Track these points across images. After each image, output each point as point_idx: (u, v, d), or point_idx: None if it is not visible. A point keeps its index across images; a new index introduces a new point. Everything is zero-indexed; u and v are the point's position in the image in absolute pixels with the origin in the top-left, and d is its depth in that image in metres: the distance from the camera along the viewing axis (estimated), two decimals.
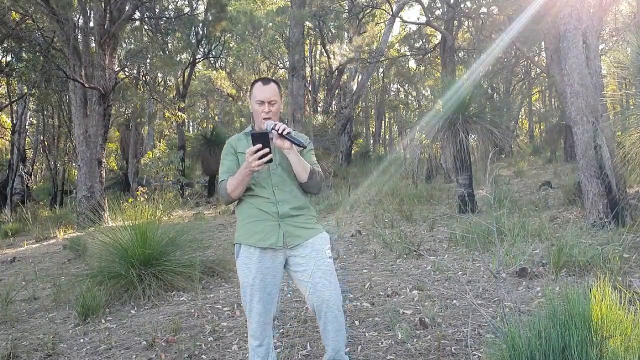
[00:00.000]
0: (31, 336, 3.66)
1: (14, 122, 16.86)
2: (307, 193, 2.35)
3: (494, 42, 14.52)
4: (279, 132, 2.15)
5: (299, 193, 2.31)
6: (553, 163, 14.97)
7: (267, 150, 2.08)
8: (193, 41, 18.04)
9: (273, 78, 2.46)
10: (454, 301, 3.53)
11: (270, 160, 2.11)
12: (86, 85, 10.23)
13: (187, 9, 18.39)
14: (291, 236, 2.24)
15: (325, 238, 2.33)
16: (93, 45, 11.41)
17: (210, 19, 17.51)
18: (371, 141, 34.58)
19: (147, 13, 16.04)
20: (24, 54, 13.75)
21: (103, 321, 3.86)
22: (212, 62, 23.64)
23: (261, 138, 2.09)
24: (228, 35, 20.02)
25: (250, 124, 2.45)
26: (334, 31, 20.01)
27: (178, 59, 18.07)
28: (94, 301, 3.94)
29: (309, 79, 20.92)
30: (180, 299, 4.27)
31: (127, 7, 11.32)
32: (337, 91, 21.20)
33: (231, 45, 21.83)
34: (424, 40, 24.15)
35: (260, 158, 2.07)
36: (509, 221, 5.42)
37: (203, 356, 3.01)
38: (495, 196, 7.17)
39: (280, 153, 2.25)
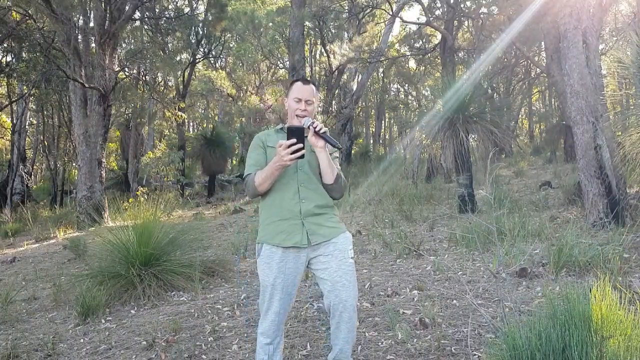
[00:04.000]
0: (31, 336, 3.66)
1: (14, 122, 16.87)
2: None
3: (494, 42, 14.53)
4: (317, 129, 2.16)
5: (324, 192, 2.30)
6: (553, 163, 14.97)
7: (300, 145, 2.07)
8: (193, 41, 18.04)
9: (312, 80, 2.48)
10: (454, 301, 3.53)
11: (302, 156, 2.10)
12: (86, 85, 10.23)
13: (187, 9, 18.41)
14: (315, 234, 2.23)
15: (349, 238, 2.32)
16: (93, 45, 11.41)
17: (210, 19, 17.53)
18: (371, 141, 34.60)
19: (147, 13, 16.04)
20: (24, 54, 13.76)
21: (103, 321, 3.86)
22: (212, 62, 23.65)
23: (297, 133, 2.09)
24: (228, 35, 20.04)
25: (282, 123, 2.45)
26: (334, 31, 20.01)
27: (178, 59, 18.08)
28: (94, 301, 3.94)
29: (309, 78, 20.89)
30: (180, 299, 4.27)
31: (127, 7, 11.32)
32: (337, 91, 21.20)
33: (231, 45, 21.84)
34: (424, 40, 24.15)
35: (293, 153, 2.06)
36: (509, 221, 5.42)
37: (203, 356, 3.01)
38: (495, 196, 7.17)
39: (309, 152, 2.24)
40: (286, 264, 2.22)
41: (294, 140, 2.06)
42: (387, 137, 40.14)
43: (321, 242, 2.24)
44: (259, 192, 2.24)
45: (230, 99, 24.43)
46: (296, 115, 2.26)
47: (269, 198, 2.28)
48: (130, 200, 7.77)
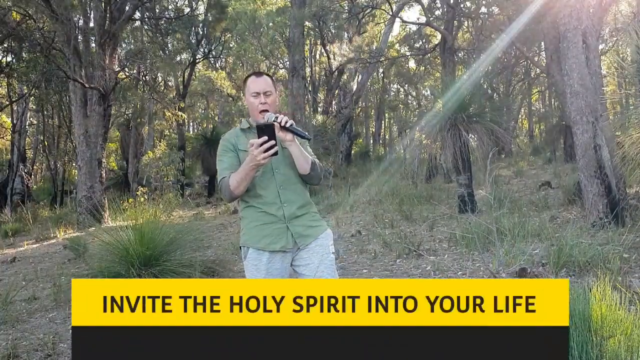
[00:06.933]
0: (31, 336, 3.65)
1: (14, 122, 16.88)
2: (307, 185, 2.32)
3: (494, 42, 14.53)
4: (282, 124, 2.09)
5: (303, 189, 2.29)
6: (553, 163, 14.96)
7: (273, 142, 2.01)
8: (193, 41, 18.06)
9: (266, 72, 2.39)
10: None
11: (276, 153, 2.04)
12: (86, 85, 10.23)
13: (187, 10, 18.42)
14: (301, 237, 2.22)
15: (329, 234, 2.34)
16: (93, 45, 11.42)
17: (210, 19, 17.55)
18: (371, 141, 34.59)
19: (147, 13, 16.05)
20: (24, 54, 13.77)
21: None
22: (212, 62, 23.66)
23: (267, 130, 2.02)
24: (228, 35, 20.06)
25: (245, 119, 2.37)
26: (334, 31, 20.04)
27: (178, 59, 18.10)
28: None
29: (309, 79, 20.92)
30: None
31: (127, 8, 11.33)
32: (337, 91, 21.21)
33: (231, 45, 21.87)
34: (424, 40, 24.16)
35: (266, 151, 2.00)
36: (509, 221, 5.42)
37: None
38: (495, 196, 7.17)
39: (281, 149, 2.19)
40: (273, 265, 2.21)
41: (265, 138, 2.00)
42: (387, 137, 40.15)
43: (308, 243, 2.23)
44: (236, 195, 2.19)
45: (230, 99, 24.44)
46: (260, 112, 2.19)
47: (249, 204, 2.25)
48: (130, 200, 7.77)
